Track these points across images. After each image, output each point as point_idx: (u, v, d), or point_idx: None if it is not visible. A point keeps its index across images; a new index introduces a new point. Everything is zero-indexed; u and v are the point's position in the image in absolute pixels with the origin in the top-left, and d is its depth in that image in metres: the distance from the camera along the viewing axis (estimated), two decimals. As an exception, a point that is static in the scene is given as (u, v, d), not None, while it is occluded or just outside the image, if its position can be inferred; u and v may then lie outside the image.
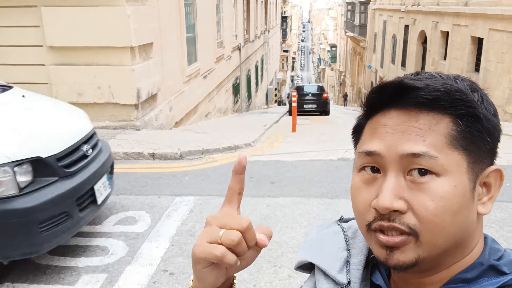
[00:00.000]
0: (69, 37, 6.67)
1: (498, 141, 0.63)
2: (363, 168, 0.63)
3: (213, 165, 5.91)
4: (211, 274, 0.59)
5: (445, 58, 16.44)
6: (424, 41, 19.35)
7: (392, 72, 24.44)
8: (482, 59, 13.09)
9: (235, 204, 0.61)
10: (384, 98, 0.61)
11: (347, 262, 0.72)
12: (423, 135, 0.58)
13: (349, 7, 38.64)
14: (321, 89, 19.79)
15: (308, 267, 0.77)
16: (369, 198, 0.61)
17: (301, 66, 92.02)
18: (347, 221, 0.80)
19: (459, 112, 0.58)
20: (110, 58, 6.71)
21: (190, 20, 10.38)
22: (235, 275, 0.65)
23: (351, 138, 0.70)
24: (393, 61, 24.44)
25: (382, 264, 0.61)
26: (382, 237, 0.59)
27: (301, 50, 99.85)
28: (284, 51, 48.12)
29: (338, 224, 0.79)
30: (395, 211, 0.57)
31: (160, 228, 4.03)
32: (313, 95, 18.88)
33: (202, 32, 11.18)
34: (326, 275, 0.72)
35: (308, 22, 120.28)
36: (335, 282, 0.71)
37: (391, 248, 0.59)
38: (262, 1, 25.68)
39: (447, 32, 16.12)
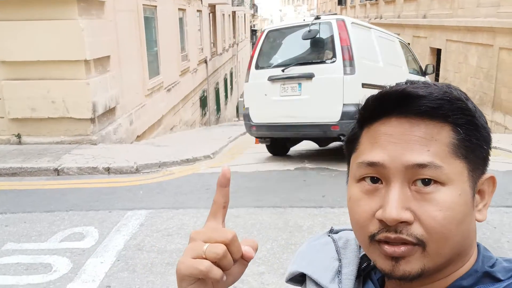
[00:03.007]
0: (21, 52, 6.54)
1: (490, 149, 0.63)
2: (362, 179, 0.62)
3: (170, 178, 5.85)
4: None
5: (407, 69, 16.89)
6: (387, 52, 19.84)
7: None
8: (440, 69, 13.51)
9: (219, 218, 0.59)
10: (385, 106, 0.60)
11: (339, 272, 0.71)
12: (427, 144, 0.57)
13: (317, 20, 39.28)
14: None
15: (299, 280, 0.76)
16: (370, 209, 0.59)
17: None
18: (337, 232, 0.79)
19: (459, 120, 0.58)
20: (64, 72, 6.60)
21: (152, 33, 10.34)
22: None
23: (344, 148, 0.68)
24: (359, 72, 24.90)
25: (388, 276, 0.60)
26: (387, 247, 0.58)
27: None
28: (255, 64, 48.39)
29: (329, 235, 0.78)
30: (402, 222, 0.57)
31: (108, 243, 3.94)
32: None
33: (165, 45, 11.15)
34: (317, 285, 0.71)
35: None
36: None
37: (396, 258, 0.58)
38: (229, 15, 25.87)
39: (408, 44, 16.59)
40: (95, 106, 6.81)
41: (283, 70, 6.02)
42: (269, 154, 7.28)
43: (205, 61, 17.08)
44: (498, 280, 0.60)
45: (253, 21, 48.00)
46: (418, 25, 15.30)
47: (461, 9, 12.25)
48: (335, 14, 35.19)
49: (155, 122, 10.19)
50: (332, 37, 5.76)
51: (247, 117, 6.45)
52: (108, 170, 5.90)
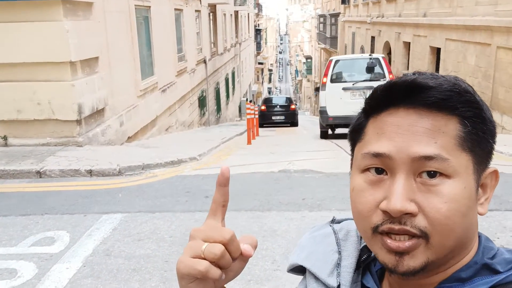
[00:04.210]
0: (6, 53, 6.52)
1: (495, 143, 0.63)
2: (367, 169, 0.61)
3: (152, 180, 5.79)
4: None
5: (408, 68, 16.71)
6: (389, 51, 19.65)
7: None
8: (440, 68, 13.33)
9: (219, 217, 0.59)
10: (394, 96, 0.59)
11: (338, 265, 0.70)
12: (434, 136, 0.57)
13: (321, 19, 39.15)
14: (289, 100, 19.90)
15: (300, 270, 0.76)
16: (374, 200, 0.59)
17: (279, 78, 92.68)
18: (339, 222, 0.78)
19: (467, 113, 0.58)
20: (50, 74, 6.57)
21: (145, 34, 10.30)
22: (225, 286, 0.63)
23: (348, 138, 0.67)
24: (362, 71, 24.71)
25: (390, 271, 0.59)
26: (390, 241, 0.57)
27: (279, 62, 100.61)
28: (259, 63, 48.40)
29: (330, 226, 0.77)
30: (406, 213, 0.56)
31: (77, 248, 3.89)
32: (281, 106, 18.95)
33: (160, 46, 11.10)
34: (316, 278, 0.71)
35: (286, 34, 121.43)
36: (325, 285, 0.70)
37: (400, 253, 0.57)
38: (231, 15, 25.80)
39: (409, 43, 16.41)
40: (81, 107, 6.77)
41: (353, 84, 10.10)
42: (256, 157, 7.28)
43: (204, 61, 17.02)
44: (497, 272, 0.59)
45: (258, 20, 47.91)
46: (418, 24, 15.12)
47: (460, 7, 12.07)
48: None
49: (149, 123, 10.15)
50: (382, 66, 10.28)
51: (324, 112, 10.26)
52: (90, 172, 5.86)
